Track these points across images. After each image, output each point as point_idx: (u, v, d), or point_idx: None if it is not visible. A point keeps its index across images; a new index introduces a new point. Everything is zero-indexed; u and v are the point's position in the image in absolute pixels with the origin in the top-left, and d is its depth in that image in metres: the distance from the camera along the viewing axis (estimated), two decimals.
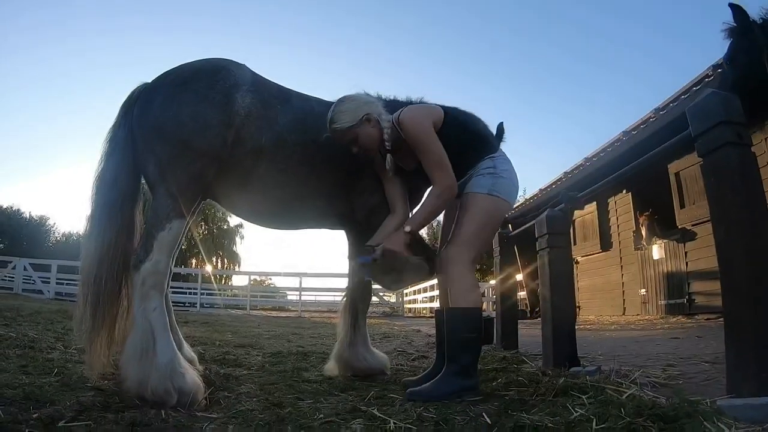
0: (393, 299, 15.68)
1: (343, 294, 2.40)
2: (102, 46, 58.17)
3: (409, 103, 2.09)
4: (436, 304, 11.38)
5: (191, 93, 1.80)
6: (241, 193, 1.98)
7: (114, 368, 1.78)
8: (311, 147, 1.97)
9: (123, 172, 1.83)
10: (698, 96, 1.49)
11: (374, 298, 10.55)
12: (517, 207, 9.70)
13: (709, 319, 5.51)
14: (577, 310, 8.19)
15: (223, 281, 26.45)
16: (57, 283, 12.94)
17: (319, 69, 66.71)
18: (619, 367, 1.99)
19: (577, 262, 9.00)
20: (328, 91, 2.38)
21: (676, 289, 6.70)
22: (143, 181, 1.90)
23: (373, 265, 1.86)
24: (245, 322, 7.50)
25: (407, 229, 1.85)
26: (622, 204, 8.14)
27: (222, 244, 31.15)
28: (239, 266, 31.18)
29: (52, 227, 34.01)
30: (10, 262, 12.69)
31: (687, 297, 6.42)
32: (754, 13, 2.99)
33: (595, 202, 8.40)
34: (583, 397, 1.44)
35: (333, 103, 1.92)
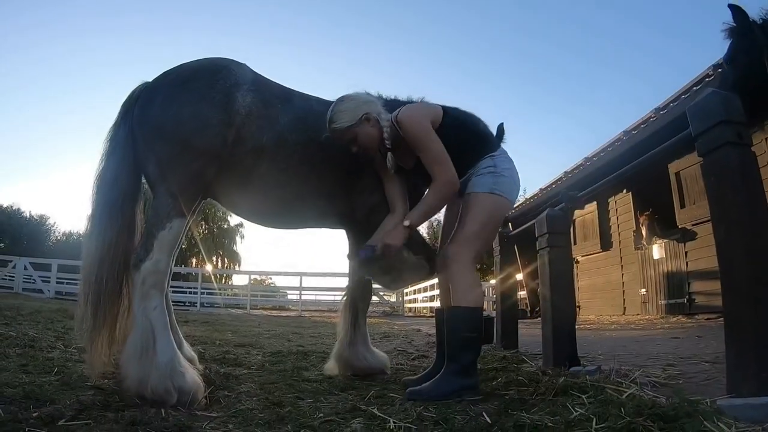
0: (393, 299, 15.68)
1: (344, 293, 2.41)
2: (102, 45, 58.27)
3: (410, 102, 2.08)
4: (436, 304, 11.39)
5: (191, 92, 1.80)
6: (242, 192, 1.98)
7: (114, 367, 1.78)
8: (312, 146, 1.97)
9: (124, 172, 1.83)
10: (699, 95, 1.49)
11: (374, 298, 10.58)
12: (517, 206, 9.69)
13: (710, 318, 5.51)
14: (577, 309, 8.20)
15: (224, 280, 26.49)
16: (57, 283, 12.94)
17: (319, 69, 66.63)
18: (619, 367, 1.99)
19: (577, 262, 9.00)
20: (328, 91, 2.39)
21: (676, 288, 6.70)
22: (144, 180, 1.90)
23: (374, 264, 1.86)
24: (245, 322, 7.50)
25: (406, 223, 1.85)
26: (622, 203, 8.15)
27: (222, 244, 31.17)
28: (239, 265, 31.24)
29: (53, 226, 34.10)
30: (11, 261, 12.70)
31: (687, 297, 6.43)
32: (754, 13, 2.99)
33: (595, 202, 8.40)
34: (583, 396, 1.43)
35: (333, 102, 1.92)
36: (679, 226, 6.57)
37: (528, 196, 10.90)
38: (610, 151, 6.93)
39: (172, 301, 2.11)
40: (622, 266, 8.19)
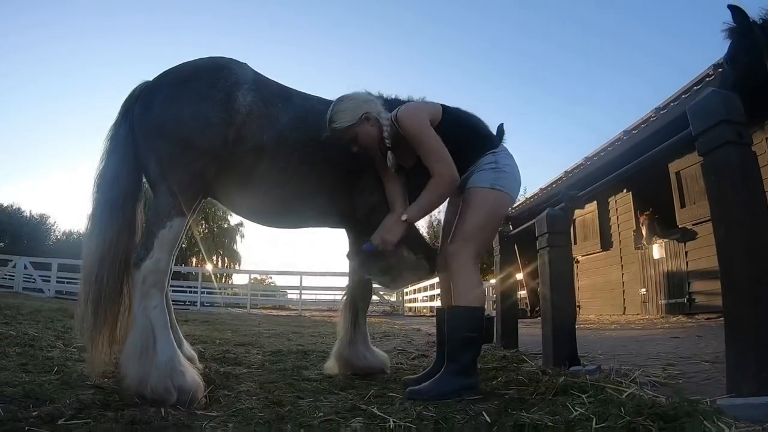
0: (393, 298, 15.68)
1: (344, 293, 2.41)
2: (102, 45, 58.22)
3: (410, 101, 2.08)
4: (436, 303, 11.40)
5: (192, 91, 1.80)
6: (242, 191, 1.97)
7: (114, 366, 1.78)
8: (312, 145, 1.96)
9: (124, 171, 1.83)
10: (699, 95, 1.49)
11: (374, 297, 10.59)
12: (517, 206, 9.70)
13: (710, 318, 5.51)
14: (578, 309, 8.20)
15: (224, 280, 26.47)
16: (57, 282, 12.93)
17: (319, 69, 66.65)
18: (619, 367, 1.99)
19: (577, 262, 9.00)
20: (328, 91, 2.39)
21: (676, 288, 6.70)
22: (144, 179, 1.90)
23: (373, 262, 1.86)
24: (245, 321, 7.50)
25: (403, 217, 1.85)
26: (622, 203, 8.14)
27: (222, 243, 31.14)
28: (239, 265, 31.21)
29: (53, 226, 34.04)
30: (11, 260, 12.71)
31: (687, 296, 6.42)
32: (754, 13, 2.99)
33: (595, 201, 8.40)
34: (583, 396, 1.43)
35: (333, 101, 1.92)
36: (680, 226, 6.57)
37: (528, 195, 10.90)
38: (611, 151, 6.93)
39: (172, 300, 2.11)
40: (622, 266, 8.18)
